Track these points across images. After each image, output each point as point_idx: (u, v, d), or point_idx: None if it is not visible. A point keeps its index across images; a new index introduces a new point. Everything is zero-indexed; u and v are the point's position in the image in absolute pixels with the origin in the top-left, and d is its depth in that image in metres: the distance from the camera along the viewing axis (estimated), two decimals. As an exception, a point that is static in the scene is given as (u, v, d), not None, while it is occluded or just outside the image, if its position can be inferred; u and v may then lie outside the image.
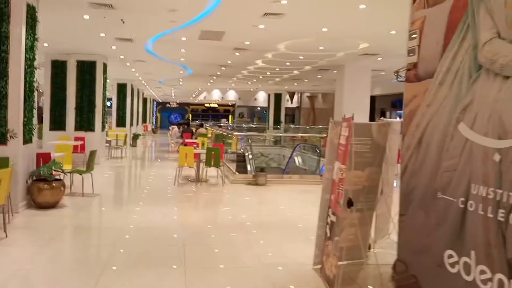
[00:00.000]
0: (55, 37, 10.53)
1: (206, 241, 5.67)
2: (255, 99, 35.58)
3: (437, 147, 3.11)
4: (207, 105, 42.39)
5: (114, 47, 11.87)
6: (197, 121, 33.56)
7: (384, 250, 5.05)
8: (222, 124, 28.72)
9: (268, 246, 5.47)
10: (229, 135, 13.81)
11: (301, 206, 8.17)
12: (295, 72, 17.12)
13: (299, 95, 32.76)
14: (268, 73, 17.43)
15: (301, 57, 13.29)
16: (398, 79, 7.15)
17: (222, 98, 35.08)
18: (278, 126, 24.59)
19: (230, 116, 41.28)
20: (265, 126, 26.28)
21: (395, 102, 25.92)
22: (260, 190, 9.53)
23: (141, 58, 13.85)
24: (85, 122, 13.00)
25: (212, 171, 10.58)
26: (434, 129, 3.16)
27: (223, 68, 16.33)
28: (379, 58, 13.47)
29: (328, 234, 4.36)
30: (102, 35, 10.25)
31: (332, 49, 11.92)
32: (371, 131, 4.46)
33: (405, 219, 3.46)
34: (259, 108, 38.30)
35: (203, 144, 10.95)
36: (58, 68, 12.85)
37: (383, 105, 26.67)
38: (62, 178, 7.29)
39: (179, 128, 18.38)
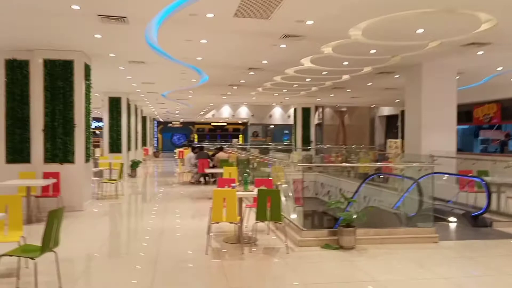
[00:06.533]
0: (8, 21, 6.41)
1: None
2: (270, 116, 31.28)
3: None
4: (214, 123, 38.00)
5: (98, 36, 7.73)
6: (206, 142, 29.28)
7: None
8: (238, 146, 24.40)
9: None
10: (276, 162, 9.46)
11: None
12: (345, 77, 12.96)
13: (321, 110, 28.51)
14: (308, 79, 13.25)
15: (373, 51, 9.14)
16: None
17: (233, 115, 30.77)
18: (309, 147, 20.35)
19: (240, 135, 36.82)
20: (291, 147, 21.99)
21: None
22: (354, 263, 5.25)
23: (140, 56, 9.68)
24: (59, 150, 8.80)
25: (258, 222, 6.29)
26: None
27: (251, 73, 12.15)
28: (480, 52, 9.35)
29: None
30: (75, 7, 6.12)
31: (433, 33, 7.79)
32: None
33: None
34: (272, 126, 34.00)
35: (246, 183, 6.54)
36: (16, 71, 8.73)
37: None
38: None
39: (194, 153, 13.93)
